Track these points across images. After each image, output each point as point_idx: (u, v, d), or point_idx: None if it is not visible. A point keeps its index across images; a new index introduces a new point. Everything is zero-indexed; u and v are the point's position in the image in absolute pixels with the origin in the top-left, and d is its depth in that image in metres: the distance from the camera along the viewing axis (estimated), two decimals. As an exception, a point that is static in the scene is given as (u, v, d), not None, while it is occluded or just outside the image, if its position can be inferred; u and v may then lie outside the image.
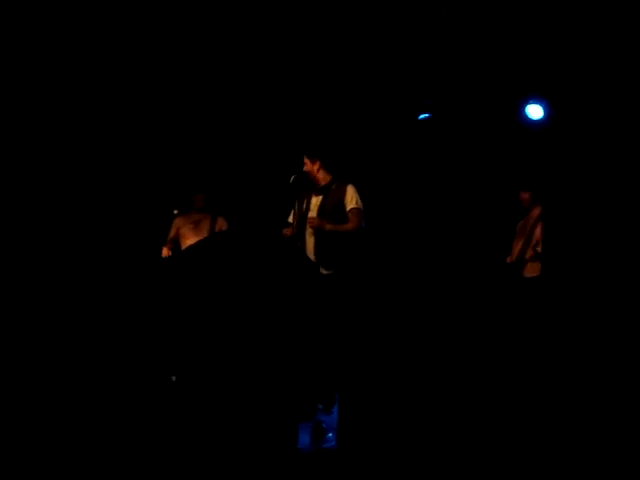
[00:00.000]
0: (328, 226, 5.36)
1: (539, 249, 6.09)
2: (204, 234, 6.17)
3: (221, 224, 6.39)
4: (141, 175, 7.06)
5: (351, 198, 5.48)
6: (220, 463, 4.11)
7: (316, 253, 5.38)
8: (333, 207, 5.47)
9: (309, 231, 5.46)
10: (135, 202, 7.02)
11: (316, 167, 5.56)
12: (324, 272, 5.32)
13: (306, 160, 5.57)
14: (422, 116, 7.05)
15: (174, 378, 5.29)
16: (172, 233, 6.38)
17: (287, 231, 5.63)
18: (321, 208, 5.50)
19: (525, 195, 6.42)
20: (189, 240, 6.19)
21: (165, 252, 6.15)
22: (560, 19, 6.03)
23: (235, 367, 4.69)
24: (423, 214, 7.13)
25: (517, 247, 6.32)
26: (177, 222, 6.42)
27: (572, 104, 6.41)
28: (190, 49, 6.53)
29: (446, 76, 6.83)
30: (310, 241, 5.45)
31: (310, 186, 5.60)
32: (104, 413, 4.99)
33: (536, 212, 6.34)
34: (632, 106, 6.07)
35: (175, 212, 6.30)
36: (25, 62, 6.30)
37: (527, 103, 6.62)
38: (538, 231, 6.20)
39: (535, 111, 6.61)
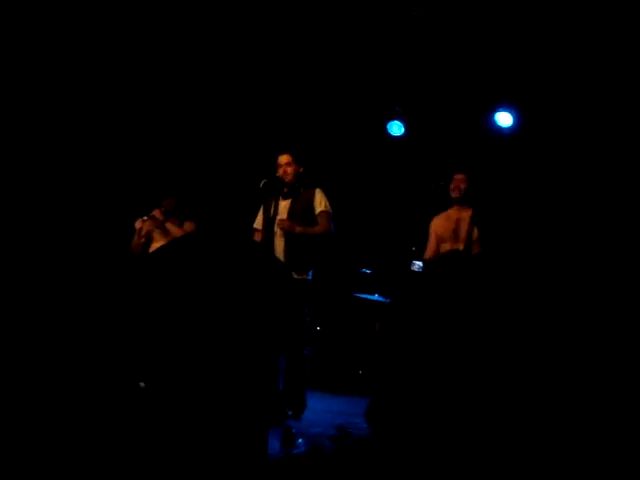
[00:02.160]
0: (298, 228, 5.34)
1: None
2: (172, 238, 6.11)
3: (189, 228, 6.33)
4: (109, 179, 6.99)
5: (320, 201, 5.46)
6: (188, 470, 4.03)
7: (286, 256, 5.34)
8: (302, 210, 5.45)
9: (278, 234, 5.42)
10: (103, 206, 6.94)
11: (297, 171, 5.53)
12: (295, 276, 5.28)
13: (290, 161, 5.52)
14: (394, 131, 7.04)
15: (142, 384, 5.20)
16: (138, 237, 6.30)
17: (256, 236, 5.60)
18: (291, 211, 5.47)
19: (464, 185, 5.66)
20: (157, 244, 6.13)
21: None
22: (529, 26, 6.08)
23: (203, 372, 4.62)
24: (389, 217, 7.12)
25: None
26: (145, 226, 6.33)
27: (541, 111, 6.47)
28: (157, 54, 6.51)
29: (416, 83, 6.86)
30: (279, 244, 5.42)
31: (277, 190, 5.55)
32: (68, 419, 4.89)
33: (468, 211, 5.65)
34: (600, 110, 6.14)
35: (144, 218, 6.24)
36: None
37: (497, 110, 6.66)
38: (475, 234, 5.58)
39: (505, 118, 6.64)
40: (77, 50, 6.43)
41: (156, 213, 6.32)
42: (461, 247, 5.53)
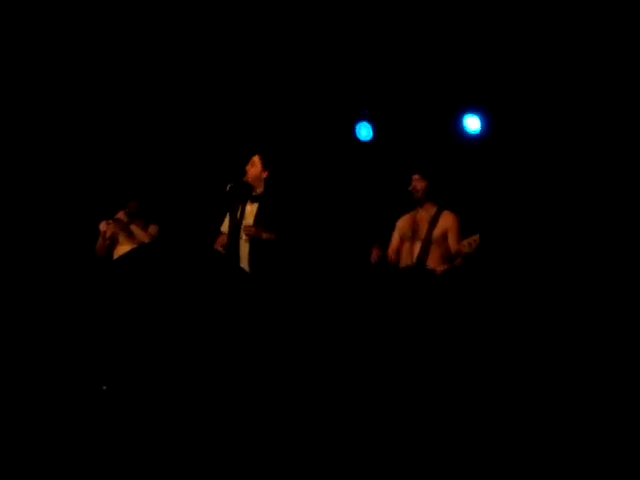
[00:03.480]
0: (265, 235, 5.30)
1: (458, 262, 5.38)
2: (137, 241, 6.08)
3: (153, 231, 6.28)
4: (73, 181, 6.93)
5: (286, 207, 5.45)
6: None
7: (250, 261, 5.30)
8: (269, 216, 5.41)
9: (244, 239, 5.39)
10: (66, 208, 6.88)
11: (264, 175, 5.48)
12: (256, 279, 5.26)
13: (258, 163, 5.47)
14: (362, 134, 7.01)
15: (105, 387, 5.15)
16: (103, 240, 6.25)
17: (221, 240, 5.56)
18: (258, 217, 5.43)
19: (421, 184, 5.59)
20: (123, 246, 6.11)
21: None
22: (498, 28, 6.09)
23: (166, 377, 4.58)
24: (356, 221, 7.09)
25: (411, 250, 5.57)
26: (110, 229, 6.28)
27: (510, 115, 6.47)
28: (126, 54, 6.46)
29: (385, 86, 6.84)
30: (244, 249, 5.39)
31: (245, 194, 5.51)
32: (31, 421, 4.82)
33: (429, 211, 5.59)
34: (571, 114, 6.17)
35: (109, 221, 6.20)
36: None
37: (465, 114, 6.64)
38: (452, 241, 5.44)
39: (473, 123, 6.63)
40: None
41: (120, 215, 6.26)
42: (418, 246, 5.51)
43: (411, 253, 5.57)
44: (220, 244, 5.55)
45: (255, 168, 5.48)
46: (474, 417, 4.84)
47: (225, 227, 5.61)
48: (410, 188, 5.61)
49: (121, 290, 4.65)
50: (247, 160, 5.54)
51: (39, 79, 6.56)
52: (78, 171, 6.97)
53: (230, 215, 5.58)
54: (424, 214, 5.60)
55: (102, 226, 6.22)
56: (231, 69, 6.67)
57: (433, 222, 5.52)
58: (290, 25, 6.37)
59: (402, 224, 5.71)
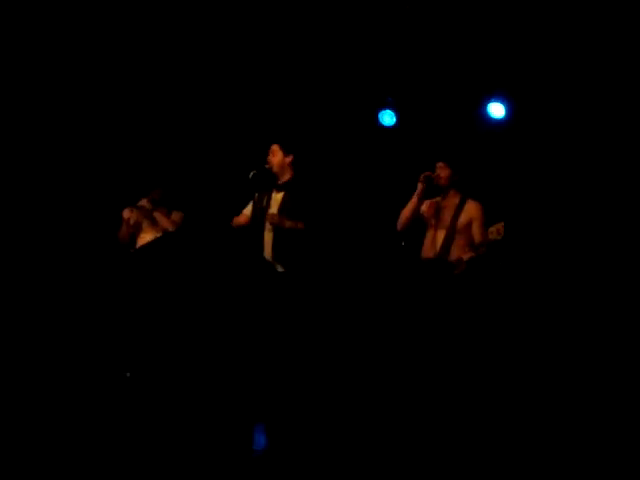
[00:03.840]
0: (288, 223, 5.28)
1: (482, 251, 5.36)
2: (160, 228, 6.11)
3: (177, 218, 6.28)
4: (97, 169, 6.95)
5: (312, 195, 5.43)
6: (173, 463, 4.01)
7: (274, 249, 5.30)
8: (294, 205, 5.39)
9: (268, 227, 5.37)
10: (90, 196, 6.91)
11: (288, 161, 5.46)
12: (280, 269, 5.25)
13: (278, 150, 5.45)
14: (385, 120, 6.97)
15: (128, 374, 5.20)
16: (127, 227, 6.27)
17: (239, 219, 5.54)
18: (283, 205, 5.42)
19: (445, 172, 5.57)
20: (146, 234, 6.13)
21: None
22: (523, 17, 6.04)
23: (189, 365, 4.62)
24: (382, 213, 7.06)
25: (434, 238, 5.56)
26: (133, 216, 6.30)
27: (535, 103, 6.42)
28: (142, 47, 6.47)
29: (408, 73, 6.81)
30: (268, 237, 5.37)
31: (270, 182, 5.50)
32: (57, 408, 4.88)
33: (453, 199, 5.57)
34: (595, 103, 6.11)
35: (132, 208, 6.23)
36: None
37: (489, 101, 6.60)
38: (476, 231, 5.44)
39: (497, 109, 6.58)
40: (58, 46, 6.40)
41: (144, 203, 6.28)
42: (442, 234, 5.48)
43: (434, 241, 5.54)
44: (236, 222, 5.53)
45: (276, 156, 5.46)
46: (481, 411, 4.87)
47: (248, 210, 5.59)
48: (434, 176, 5.58)
49: (144, 280, 4.69)
50: (268, 148, 5.52)
51: (62, 70, 6.57)
52: (102, 159, 6.99)
53: (256, 203, 5.56)
54: (448, 202, 5.57)
55: (125, 213, 6.25)
56: (256, 58, 6.65)
57: (458, 211, 5.49)
58: (314, 12, 6.34)
59: (426, 208, 5.68)
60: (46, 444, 4.12)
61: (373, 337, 6.30)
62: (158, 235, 6.05)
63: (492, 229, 5.23)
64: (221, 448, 4.15)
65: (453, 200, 5.54)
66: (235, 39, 6.50)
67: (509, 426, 4.60)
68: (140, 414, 4.54)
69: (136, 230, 6.24)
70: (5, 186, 6.68)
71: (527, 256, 6.24)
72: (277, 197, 5.47)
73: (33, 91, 6.64)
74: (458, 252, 5.38)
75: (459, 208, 5.49)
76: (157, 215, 6.17)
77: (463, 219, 5.46)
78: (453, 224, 5.46)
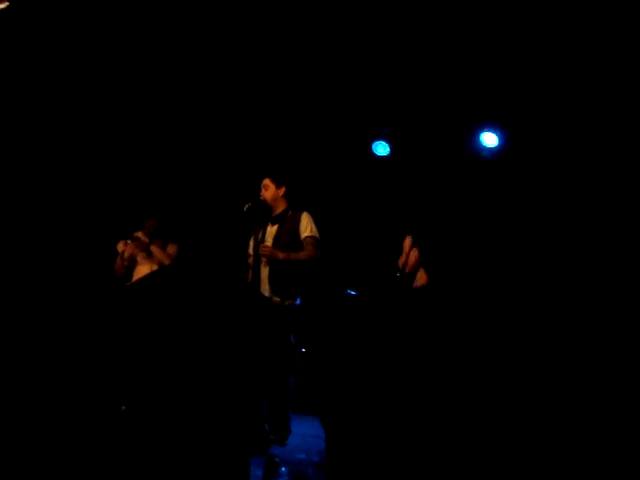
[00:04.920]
0: (281, 255, 5.27)
1: None
2: (156, 260, 6.09)
3: (172, 250, 6.27)
4: (91, 200, 6.96)
5: (306, 226, 5.40)
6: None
7: (270, 282, 5.29)
8: (288, 236, 5.39)
9: (263, 261, 5.36)
10: (84, 227, 6.91)
11: (280, 193, 5.48)
12: (279, 302, 5.24)
13: (270, 184, 5.47)
14: (379, 151, 7.02)
15: (124, 408, 5.15)
16: (122, 259, 6.26)
17: (249, 261, 5.55)
18: (277, 237, 5.42)
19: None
20: (142, 267, 6.10)
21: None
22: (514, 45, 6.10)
23: (186, 398, 4.59)
24: (376, 242, 7.09)
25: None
26: (128, 249, 6.29)
27: (527, 131, 6.47)
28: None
29: (401, 103, 6.85)
30: (264, 271, 5.35)
31: (265, 215, 5.51)
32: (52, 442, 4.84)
33: None
34: (585, 129, 6.17)
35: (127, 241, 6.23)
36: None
37: (482, 131, 6.65)
38: None
39: (490, 139, 6.63)
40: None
41: (139, 235, 6.27)
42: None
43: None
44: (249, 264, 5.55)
45: (269, 190, 5.48)
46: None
47: (251, 249, 5.60)
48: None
49: (140, 314, 4.66)
50: (260, 182, 5.54)
51: (57, 98, 6.60)
52: (97, 190, 7.00)
53: (254, 237, 5.58)
54: None
55: (120, 246, 6.24)
56: (250, 88, 6.70)
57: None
58: (308, 43, 6.39)
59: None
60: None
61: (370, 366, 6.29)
62: (154, 268, 6.03)
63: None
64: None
65: None
66: (228, 68, 6.54)
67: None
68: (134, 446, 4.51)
69: (131, 263, 6.23)
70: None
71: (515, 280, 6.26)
72: (272, 230, 5.47)
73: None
74: None
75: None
76: (153, 248, 6.17)
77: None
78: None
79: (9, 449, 4.24)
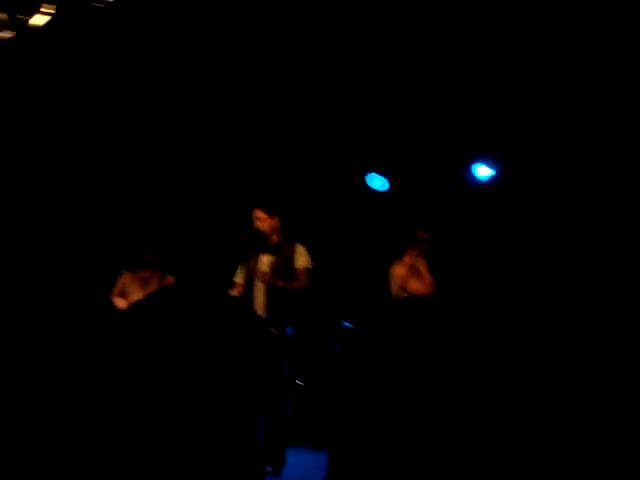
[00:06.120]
0: (280, 282, 5.31)
1: None
2: (152, 290, 6.08)
3: (169, 282, 6.29)
4: (87, 228, 7.01)
5: (300, 257, 5.46)
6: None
7: (266, 311, 5.31)
8: (284, 265, 5.44)
9: (259, 288, 5.40)
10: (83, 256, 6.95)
11: (274, 223, 5.52)
12: (274, 331, 5.25)
13: (263, 216, 5.50)
14: (374, 184, 7.08)
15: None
16: (119, 288, 6.29)
17: (235, 290, 5.56)
18: (273, 266, 5.45)
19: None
20: (135, 296, 6.10)
21: (122, 303, 6.06)
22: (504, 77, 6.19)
23: (180, 428, 4.56)
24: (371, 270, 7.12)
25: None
26: (124, 279, 6.32)
27: (520, 163, 6.54)
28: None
29: (396, 137, 6.92)
30: (260, 299, 5.39)
31: (257, 244, 5.54)
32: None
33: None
34: (579, 161, 6.24)
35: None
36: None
37: (475, 163, 6.71)
38: None
39: (483, 171, 6.70)
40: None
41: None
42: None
43: None
44: (236, 293, 5.57)
45: (263, 221, 5.51)
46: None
47: (239, 278, 5.62)
48: None
49: (134, 338, 4.65)
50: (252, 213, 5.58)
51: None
52: (96, 218, 7.05)
53: (245, 265, 5.59)
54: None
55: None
56: (243, 117, 6.76)
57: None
58: (302, 75, 6.47)
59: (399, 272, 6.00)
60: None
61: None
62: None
63: None
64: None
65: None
66: (223, 92, 6.60)
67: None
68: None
69: (127, 294, 6.25)
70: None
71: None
72: (265, 259, 5.50)
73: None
74: None
75: None
76: (150, 278, 6.19)
77: None
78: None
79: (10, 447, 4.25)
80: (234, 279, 5.58)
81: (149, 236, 6.58)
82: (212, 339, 4.55)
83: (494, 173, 6.67)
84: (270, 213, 5.51)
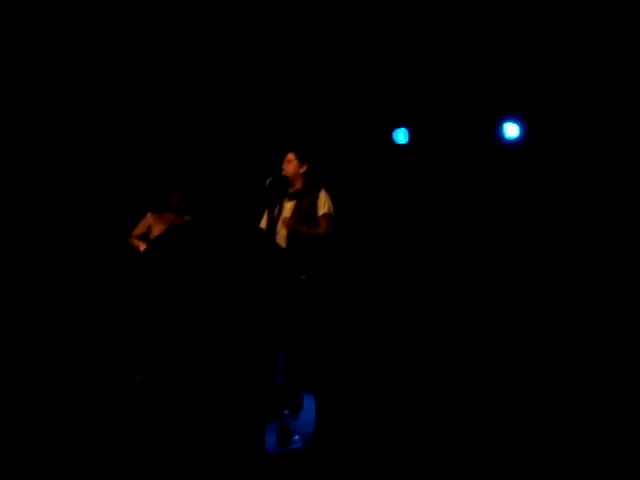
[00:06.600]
0: (303, 228, 5.30)
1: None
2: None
3: (193, 223, 6.33)
4: (115, 172, 7.02)
5: (323, 203, 5.43)
6: (186, 463, 4.02)
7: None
8: (306, 211, 5.42)
9: (281, 235, 5.38)
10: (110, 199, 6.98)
11: (302, 170, 5.51)
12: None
13: (294, 159, 5.50)
14: (399, 139, 7.06)
15: (139, 378, 5.19)
16: (141, 230, 6.31)
17: None
18: (295, 212, 5.44)
19: None
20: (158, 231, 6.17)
21: (142, 246, 6.07)
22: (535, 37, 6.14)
23: (203, 367, 4.60)
24: (395, 222, 7.14)
25: None
26: (149, 220, 6.35)
27: (549, 122, 6.50)
28: (160, 51, 6.58)
29: (423, 92, 6.89)
30: (281, 245, 5.38)
31: (282, 190, 5.53)
32: (69, 411, 4.89)
33: None
34: (607, 121, 6.19)
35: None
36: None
37: (503, 122, 6.68)
38: None
39: (511, 130, 6.66)
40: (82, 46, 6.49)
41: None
42: None
43: None
44: None
45: (291, 164, 5.50)
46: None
47: (264, 224, 5.63)
48: None
49: (157, 272, 4.66)
50: (283, 157, 5.57)
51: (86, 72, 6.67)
52: (120, 167, 7.07)
53: (269, 212, 5.60)
54: None
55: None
56: (275, 68, 6.75)
57: None
58: (330, 31, 6.44)
59: None
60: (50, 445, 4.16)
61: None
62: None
63: None
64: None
65: None
66: (255, 52, 6.60)
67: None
68: (151, 416, 4.55)
69: (150, 235, 6.28)
70: (10, 187, 6.73)
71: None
72: (289, 205, 5.49)
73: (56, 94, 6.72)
74: None
75: None
76: (174, 221, 6.21)
77: None
78: None
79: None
80: (260, 226, 5.62)
81: (174, 179, 6.59)
82: (234, 275, 4.57)
83: (521, 134, 6.64)
84: (301, 159, 5.50)
